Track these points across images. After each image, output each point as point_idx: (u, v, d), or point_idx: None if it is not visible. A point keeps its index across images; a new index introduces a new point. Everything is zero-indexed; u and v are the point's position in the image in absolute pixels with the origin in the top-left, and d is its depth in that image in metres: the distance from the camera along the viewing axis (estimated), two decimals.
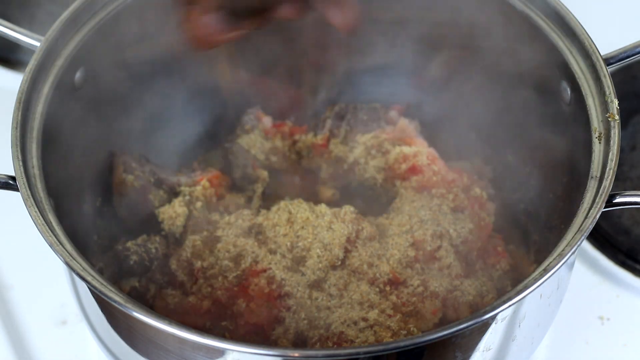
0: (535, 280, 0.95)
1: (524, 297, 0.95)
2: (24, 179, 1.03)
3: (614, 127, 1.06)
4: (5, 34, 1.16)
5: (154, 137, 1.31)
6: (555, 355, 1.30)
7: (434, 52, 1.32)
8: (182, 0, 1.05)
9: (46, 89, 1.12)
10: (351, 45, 1.34)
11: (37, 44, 1.14)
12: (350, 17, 1.05)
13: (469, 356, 1.01)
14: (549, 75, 1.17)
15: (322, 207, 1.22)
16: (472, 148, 1.34)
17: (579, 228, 1.00)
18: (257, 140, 1.33)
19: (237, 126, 1.35)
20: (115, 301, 0.95)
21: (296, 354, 0.91)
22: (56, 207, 1.05)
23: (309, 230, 1.18)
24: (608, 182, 1.02)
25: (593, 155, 1.06)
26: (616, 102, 1.07)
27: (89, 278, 0.97)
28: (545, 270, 0.96)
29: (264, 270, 1.15)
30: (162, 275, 1.19)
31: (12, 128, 1.07)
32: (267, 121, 1.35)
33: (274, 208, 1.23)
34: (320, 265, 1.15)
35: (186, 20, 1.06)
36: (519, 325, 1.04)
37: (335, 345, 1.09)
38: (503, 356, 1.06)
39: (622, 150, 1.08)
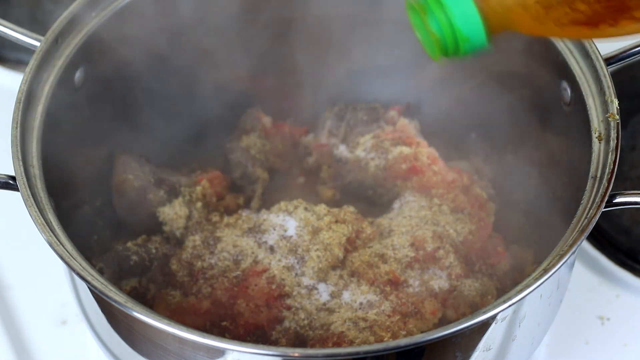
0: (535, 280, 0.95)
1: (524, 297, 0.95)
2: (24, 179, 1.03)
3: (614, 127, 1.06)
4: (5, 34, 1.16)
5: (154, 137, 1.31)
6: (555, 355, 1.30)
7: None
8: None
9: (46, 88, 1.12)
10: (351, 45, 1.34)
11: (37, 44, 1.14)
12: None
13: (469, 356, 1.01)
14: (549, 75, 1.17)
15: (322, 207, 1.22)
16: (472, 148, 1.34)
17: (579, 228, 0.99)
18: (257, 140, 1.33)
19: (237, 126, 1.35)
20: (115, 301, 0.95)
21: (296, 354, 0.91)
22: (56, 207, 1.05)
23: (308, 230, 1.18)
24: (608, 182, 1.02)
25: (593, 155, 1.06)
26: (616, 102, 1.07)
27: (89, 278, 0.97)
28: (545, 270, 0.96)
29: (264, 270, 1.15)
30: (162, 275, 1.19)
31: (12, 128, 1.07)
32: (267, 121, 1.35)
33: (274, 208, 1.23)
34: (320, 265, 1.15)
35: None
36: (519, 325, 1.03)
37: (335, 346, 1.08)
38: (503, 356, 1.05)
39: (622, 150, 1.08)
